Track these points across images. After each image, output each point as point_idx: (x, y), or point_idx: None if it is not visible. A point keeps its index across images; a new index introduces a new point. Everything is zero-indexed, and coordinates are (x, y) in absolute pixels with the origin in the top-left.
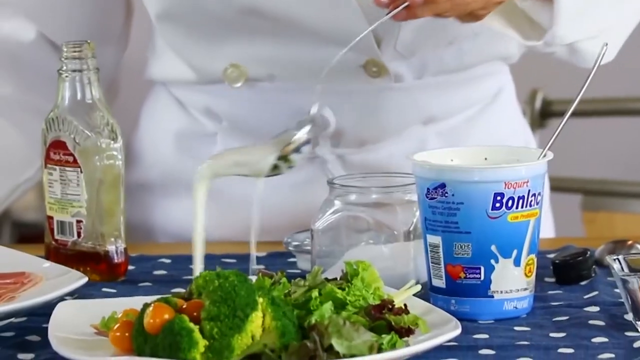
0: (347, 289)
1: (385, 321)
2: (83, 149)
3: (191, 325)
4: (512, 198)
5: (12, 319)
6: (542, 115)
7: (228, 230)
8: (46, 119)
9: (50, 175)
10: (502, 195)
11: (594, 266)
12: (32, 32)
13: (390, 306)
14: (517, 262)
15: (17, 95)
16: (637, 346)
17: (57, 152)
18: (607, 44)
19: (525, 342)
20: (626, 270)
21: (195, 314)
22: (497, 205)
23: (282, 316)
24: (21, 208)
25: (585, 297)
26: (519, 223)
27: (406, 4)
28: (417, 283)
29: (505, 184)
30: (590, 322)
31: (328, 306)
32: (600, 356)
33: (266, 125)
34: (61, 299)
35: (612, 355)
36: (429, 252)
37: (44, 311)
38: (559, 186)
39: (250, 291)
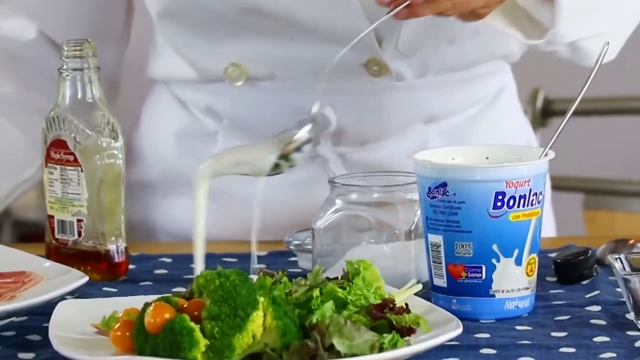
0: (348, 288)
1: (387, 320)
2: (84, 148)
3: (192, 324)
4: (513, 197)
5: (13, 318)
6: (544, 114)
7: (229, 230)
8: (47, 118)
9: (50, 174)
10: (503, 194)
11: (595, 265)
12: (32, 31)
13: (391, 305)
14: (518, 262)
15: (17, 95)
16: (638, 345)
17: (57, 151)
18: (608, 43)
19: (527, 342)
20: (628, 269)
21: (196, 313)
22: (499, 204)
23: (283, 315)
24: (22, 207)
25: (587, 296)
26: (520, 222)
27: (407, 2)
28: (418, 282)
29: (507, 183)
30: (592, 321)
31: (329, 305)
32: (602, 355)
33: (267, 124)
34: (62, 298)
35: (614, 355)
36: (430, 251)
37: (45, 310)
38: (560, 185)
39: (251, 290)
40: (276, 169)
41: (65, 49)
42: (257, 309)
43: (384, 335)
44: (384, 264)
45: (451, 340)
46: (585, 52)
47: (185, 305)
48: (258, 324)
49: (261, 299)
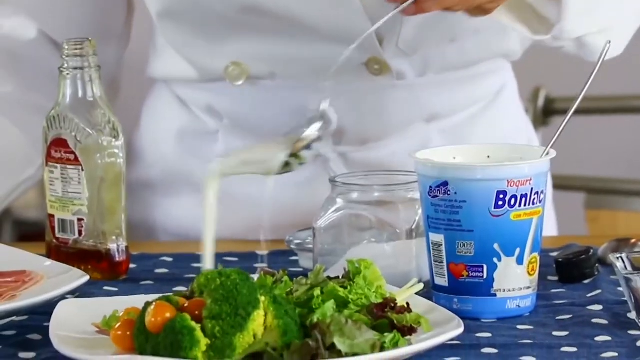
0: (349, 287)
1: (388, 320)
2: (84, 147)
3: (193, 324)
4: (514, 196)
5: (13, 318)
6: (545, 113)
7: (229, 229)
8: (47, 116)
9: (51, 173)
10: (504, 193)
11: (597, 264)
12: (33, 31)
13: (392, 305)
14: (520, 261)
15: (18, 94)
16: None
17: (58, 150)
18: (610, 42)
19: (528, 341)
20: (629, 268)
21: (197, 312)
22: (500, 203)
23: (284, 315)
24: (22, 206)
25: (589, 295)
26: (521, 221)
27: None
28: (419, 281)
29: (508, 182)
30: (594, 320)
31: (330, 305)
32: (604, 355)
33: (267, 123)
34: (62, 297)
35: (615, 354)
36: (431, 250)
37: (45, 310)
38: (562, 184)
39: (252, 290)
40: (286, 167)
41: (66, 47)
42: (258, 308)
43: (385, 334)
44: (385, 263)
45: (452, 339)
46: (592, 48)
47: (186, 305)
48: (259, 323)
49: (262, 298)
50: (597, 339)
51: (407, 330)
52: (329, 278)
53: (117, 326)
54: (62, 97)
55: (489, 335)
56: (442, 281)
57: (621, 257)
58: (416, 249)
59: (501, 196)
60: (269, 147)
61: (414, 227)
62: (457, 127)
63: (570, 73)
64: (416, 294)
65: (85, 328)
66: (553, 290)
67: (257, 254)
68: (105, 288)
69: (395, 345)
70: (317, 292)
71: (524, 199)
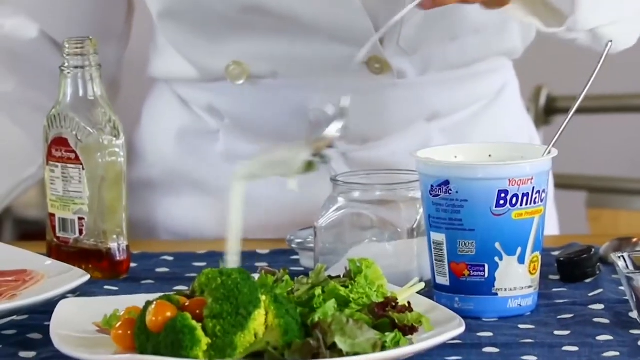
0: (350, 286)
1: (389, 319)
2: (85, 146)
3: (194, 323)
4: (516, 195)
5: (14, 317)
6: (547, 112)
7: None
8: (48, 115)
9: (52, 172)
10: (506, 192)
11: (598, 264)
12: (33, 30)
13: (393, 304)
14: (521, 260)
15: (18, 93)
16: None
17: (59, 149)
18: (611, 41)
19: (530, 340)
20: (631, 267)
21: (197, 311)
22: (501, 202)
23: (285, 314)
24: (23, 205)
25: (590, 294)
26: (523, 220)
27: None
28: (420, 281)
29: (510, 181)
30: (595, 320)
31: (331, 304)
32: (605, 354)
33: (268, 122)
34: (63, 296)
35: (617, 353)
36: (432, 249)
37: (46, 309)
38: (563, 183)
39: (253, 289)
40: (310, 167)
41: (67, 46)
42: (259, 308)
43: (386, 333)
44: (386, 262)
45: (454, 338)
46: (605, 40)
47: (186, 304)
48: (260, 322)
49: (263, 298)
50: (598, 338)
51: (408, 330)
52: (330, 277)
53: (117, 325)
54: (63, 96)
55: (490, 334)
56: (444, 280)
57: (623, 256)
58: (417, 248)
59: (502, 195)
60: (292, 148)
61: (415, 226)
62: (458, 126)
63: (572, 72)
64: (417, 293)
65: (85, 327)
66: (554, 290)
67: (258, 253)
68: (106, 287)
69: (396, 344)
70: (318, 291)
71: (525, 198)
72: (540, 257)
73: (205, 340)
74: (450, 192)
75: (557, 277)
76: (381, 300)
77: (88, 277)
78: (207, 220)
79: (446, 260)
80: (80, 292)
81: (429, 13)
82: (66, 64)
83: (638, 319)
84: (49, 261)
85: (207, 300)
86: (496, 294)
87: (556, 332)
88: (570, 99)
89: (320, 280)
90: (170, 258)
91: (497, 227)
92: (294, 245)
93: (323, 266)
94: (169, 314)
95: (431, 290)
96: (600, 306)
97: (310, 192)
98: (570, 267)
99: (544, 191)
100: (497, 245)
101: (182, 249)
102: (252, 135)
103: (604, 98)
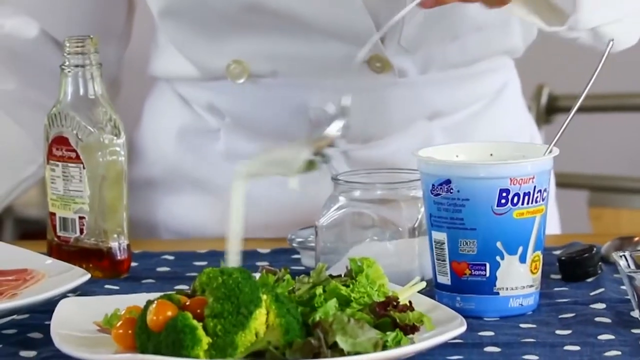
0: (351, 285)
1: (390, 318)
2: (86, 145)
3: (194, 322)
4: (517, 194)
5: (14, 316)
6: (548, 111)
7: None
8: (48, 114)
9: (52, 171)
10: (507, 191)
11: (600, 263)
12: (34, 30)
13: (395, 303)
14: (522, 259)
15: (19, 92)
16: None
17: (59, 148)
18: (613, 40)
19: (531, 340)
20: (632, 267)
21: (198, 311)
22: (503, 201)
23: (286, 313)
24: (23, 204)
25: (592, 294)
26: (524, 219)
27: None
28: (422, 280)
29: (511, 180)
30: (597, 319)
31: (332, 303)
32: (607, 353)
33: (269, 121)
34: (63, 296)
35: (619, 353)
36: (434, 248)
37: (46, 308)
38: (565, 182)
39: (254, 288)
40: (311, 166)
41: (67, 45)
42: (260, 307)
43: (388, 333)
44: (387, 261)
45: (455, 338)
46: (608, 38)
47: (187, 303)
48: (261, 321)
49: (264, 297)
50: (600, 337)
51: (410, 329)
52: (331, 276)
53: (118, 325)
54: (64, 94)
55: (491, 333)
56: (445, 279)
57: (624, 256)
58: (419, 247)
59: (504, 194)
60: (293, 147)
61: (416, 225)
62: (459, 124)
63: (573, 71)
64: (419, 292)
65: (86, 326)
66: (556, 289)
67: (258, 252)
68: (107, 286)
69: (397, 343)
70: (319, 290)
71: (526, 197)
72: (541, 257)
73: (206, 340)
74: (451, 191)
75: (558, 277)
76: (382, 299)
77: (89, 276)
78: (208, 219)
79: (447, 260)
80: (80, 292)
81: (429, 12)
82: (67, 63)
83: (639, 318)
84: (50, 260)
85: (208, 299)
86: (497, 293)
87: (557, 332)
88: (571, 97)
89: (321, 279)
90: (171, 257)
91: (498, 226)
92: (294, 245)
93: (324, 265)
94: (169, 313)
95: (432, 289)
96: (602, 305)
97: (311, 191)
98: (572, 266)
99: (545, 190)
100: (499, 244)
101: (182, 248)
102: (252, 134)
103: (606, 97)
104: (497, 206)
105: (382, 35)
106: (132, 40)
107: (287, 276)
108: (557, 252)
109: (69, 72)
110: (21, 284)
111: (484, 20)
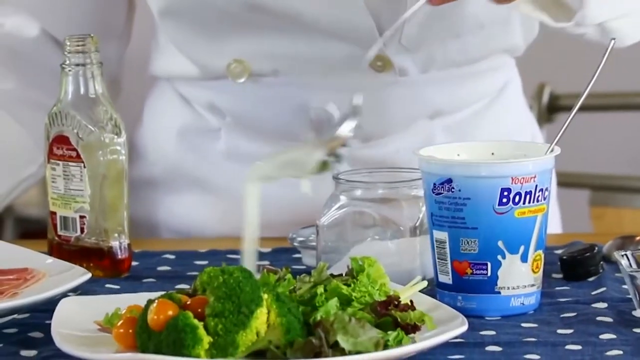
0: (352, 285)
1: (391, 317)
2: (86, 144)
3: (195, 321)
4: (519, 193)
5: (15, 316)
6: (550, 110)
7: (231, 226)
8: (49, 113)
9: (53, 170)
10: (509, 190)
11: (601, 262)
12: (34, 29)
13: (396, 302)
14: (524, 258)
15: (19, 91)
16: None
17: (60, 147)
18: (614, 39)
19: (533, 339)
20: (634, 266)
21: (199, 310)
22: (504, 200)
23: (287, 312)
24: (24, 204)
25: (593, 293)
26: (526, 219)
27: None
28: (423, 279)
29: (513, 179)
30: (598, 318)
31: (333, 302)
32: (608, 353)
33: (270, 120)
34: (64, 295)
35: (620, 352)
36: (435, 248)
37: (47, 307)
38: (566, 181)
39: (255, 287)
40: (324, 167)
41: (68, 44)
42: (260, 306)
43: (389, 332)
44: (388, 260)
45: (456, 337)
46: (615, 34)
47: (188, 302)
48: (262, 321)
49: (265, 296)
50: (601, 336)
51: (411, 328)
52: (332, 276)
53: (119, 324)
54: (64, 93)
55: (493, 333)
56: (446, 279)
57: (626, 255)
58: (420, 246)
59: (505, 193)
60: (306, 148)
61: (417, 224)
62: (460, 123)
63: (575, 69)
64: (420, 291)
65: (87, 326)
66: (557, 288)
67: (260, 251)
68: (107, 286)
69: (398, 343)
70: (320, 289)
71: (528, 196)
72: (543, 256)
73: (207, 339)
74: (452, 190)
75: (560, 276)
76: (383, 298)
77: (89, 275)
78: (209, 218)
79: (449, 259)
80: (81, 291)
81: (430, 11)
82: (67, 62)
83: None
84: (50, 259)
85: (209, 298)
86: (499, 293)
87: (559, 331)
88: (573, 96)
89: (322, 278)
90: (172, 256)
91: (499, 225)
92: (296, 244)
93: (325, 264)
94: (170, 312)
95: (434, 288)
96: (604, 305)
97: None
98: (573, 265)
99: (546, 189)
100: (500, 243)
101: (183, 247)
102: (253, 134)
103: (608, 96)
104: (499, 205)
105: (391, 33)
106: (132, 39)
107: (288, 275)
108: (559, 252)
109: (69, 71)
110: (22, 283)
111: (485, 18)
